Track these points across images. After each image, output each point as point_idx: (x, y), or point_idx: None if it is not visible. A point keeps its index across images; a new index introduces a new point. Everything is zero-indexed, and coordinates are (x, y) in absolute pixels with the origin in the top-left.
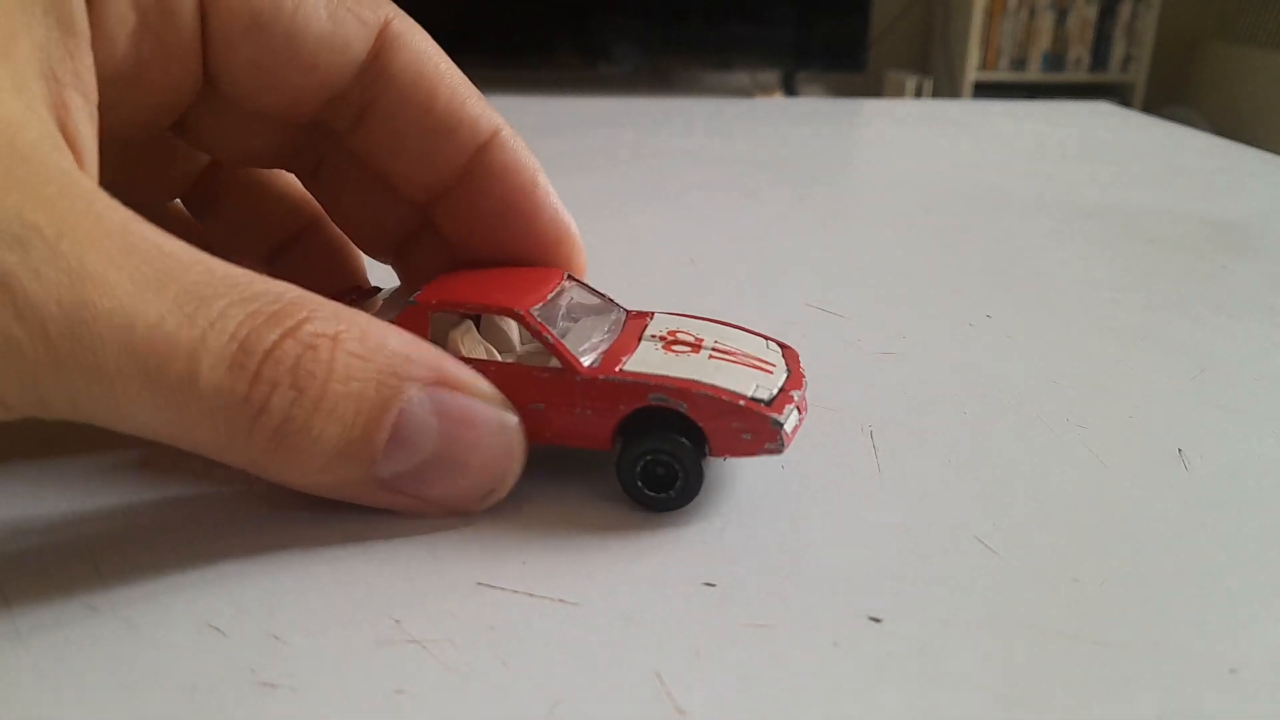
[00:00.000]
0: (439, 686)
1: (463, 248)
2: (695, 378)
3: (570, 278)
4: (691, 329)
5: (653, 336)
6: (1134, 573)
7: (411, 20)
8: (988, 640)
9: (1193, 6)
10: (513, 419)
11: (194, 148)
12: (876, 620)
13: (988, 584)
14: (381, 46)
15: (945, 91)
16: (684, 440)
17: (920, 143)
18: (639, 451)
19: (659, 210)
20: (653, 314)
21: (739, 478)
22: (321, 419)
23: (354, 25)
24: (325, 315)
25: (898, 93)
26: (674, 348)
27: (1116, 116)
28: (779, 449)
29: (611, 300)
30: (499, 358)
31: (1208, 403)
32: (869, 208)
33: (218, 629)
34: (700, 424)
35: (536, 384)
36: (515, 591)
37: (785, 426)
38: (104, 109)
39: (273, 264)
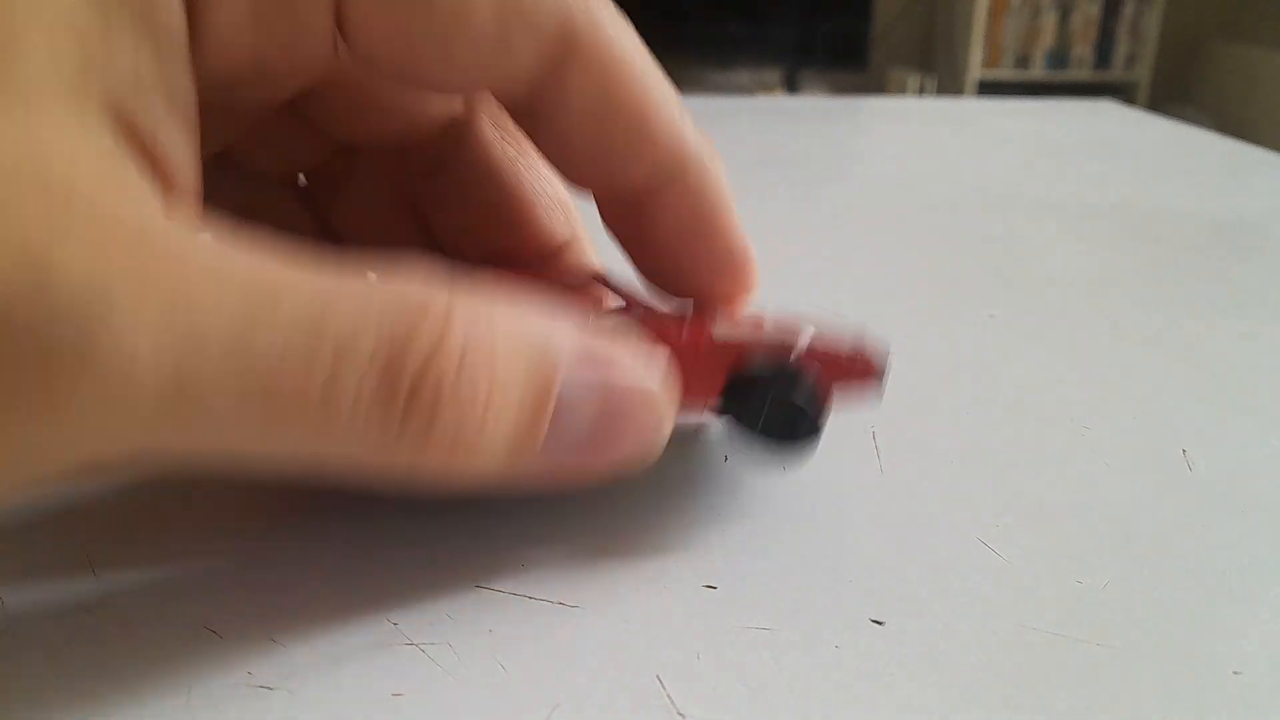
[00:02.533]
0: (437, 689)
1: (639, 266)
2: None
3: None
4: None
5: None
6: (1137, 574)
7: (604, 11)
8: (991, 643)
9: (1197, 5)
10: (657, 388)
11: (320, 125)
12: (879, 623)
13: (991, 586)
14: (558, 57)
15: (948, 89)
16: (802, 397)
17: (923, 141)
18: (763, 396)
19: None
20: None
21: (740, 479)
22: (490, 429)
23: (523, 35)
24: (466, 311)
25: (900, 91)
26: None
27: (1120, 115)
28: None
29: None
30: None
31: (1212, 403)
32: (871, 206)
33: (214, 631)
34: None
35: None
36: (514, 594)
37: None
38: (214, 111)
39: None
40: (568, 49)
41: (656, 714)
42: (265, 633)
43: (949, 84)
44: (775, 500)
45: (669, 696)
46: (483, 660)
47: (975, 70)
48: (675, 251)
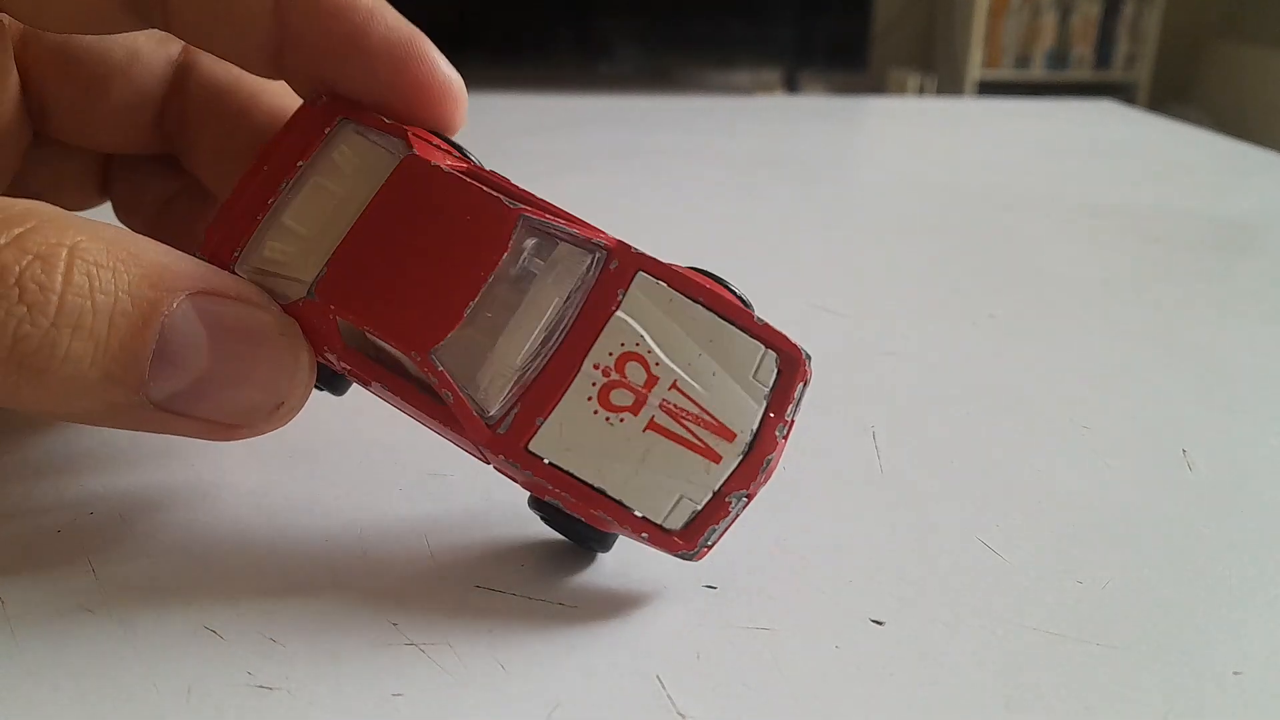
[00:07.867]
0: (437, 690)
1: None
2: (602, 485)
3: (527, 216)
4: (657, 346)
5: (595, 367)
6: (1137, 574)
7: None
8: (990, 643)
9: (1197, 4)
10: (293, 324)
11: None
12: (878, 623)
13: (990, 586)
14: None
15: (948, 90)
16: (580, 530)
17: (923, 141)
18: (542, 513)
19: (659, 209)
20: (634, 277)
21: None
22: (66, 336)
23: None
24: (60, 226)
25: (900, 91)
26: (611, 398)
27: (1120, 115)
28: (692, 560)
29: (587, 239)
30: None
31: (1212, 403)
32: (871, 206)
33: (214, 631)
34: (600, 529)
35: (440, 423)
36: (514, 594)
37: (699, 552)
38: None
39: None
40: None
41: (656, 714)
42: (265, 633)
43: (949, 84)
44: (776, 500)
45: (669, 696)
46: (483, 660)
47: (975, 70)
48: (331, 78)
